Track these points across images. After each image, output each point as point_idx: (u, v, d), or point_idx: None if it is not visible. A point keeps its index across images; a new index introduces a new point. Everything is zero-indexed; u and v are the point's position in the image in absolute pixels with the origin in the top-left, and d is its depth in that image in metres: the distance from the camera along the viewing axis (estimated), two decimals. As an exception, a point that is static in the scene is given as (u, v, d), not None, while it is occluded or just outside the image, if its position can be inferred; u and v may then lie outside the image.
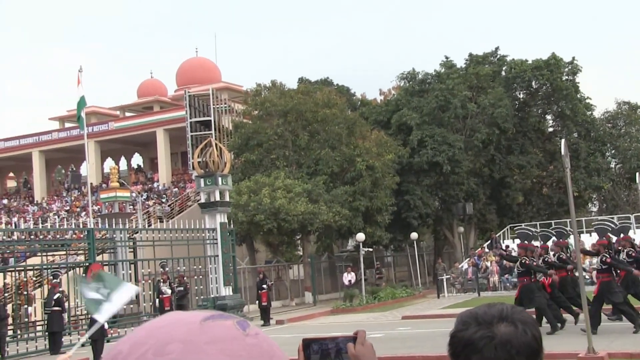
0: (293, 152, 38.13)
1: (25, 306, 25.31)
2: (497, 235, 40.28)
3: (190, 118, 44.33)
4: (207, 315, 0.77)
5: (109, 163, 53.76)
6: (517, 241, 40.10)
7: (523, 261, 18.35)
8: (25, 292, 25.57)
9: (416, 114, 42.23)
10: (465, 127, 42.94)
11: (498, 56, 47.46)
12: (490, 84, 44.48)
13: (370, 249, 38.01)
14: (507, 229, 42.42)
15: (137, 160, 58.04)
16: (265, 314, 27.02)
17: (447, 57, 46.73)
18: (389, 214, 38.48)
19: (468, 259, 37.68)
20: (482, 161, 43.87)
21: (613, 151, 49.14)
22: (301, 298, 36.72)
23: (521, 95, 47.64)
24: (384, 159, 38.14)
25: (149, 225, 38.16)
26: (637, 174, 27.49)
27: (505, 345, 1.64)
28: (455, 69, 45.68)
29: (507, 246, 38.49)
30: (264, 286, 27.64)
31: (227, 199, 28.71)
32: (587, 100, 46.89)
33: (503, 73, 46.93)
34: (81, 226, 33.97)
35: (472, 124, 42.87)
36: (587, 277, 26.36)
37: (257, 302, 27.59)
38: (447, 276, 35.05)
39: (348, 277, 35.21)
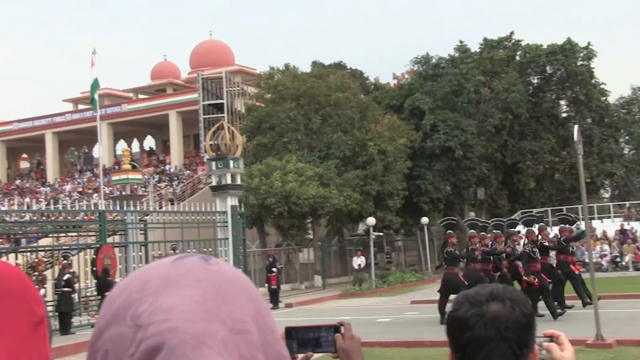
0: (305, 135, 38.05)
1: (37, 287, 25.43)
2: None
3: (203, 101, 44.26)
4: (177, 257, 0.94)
5: (122, 145, 53.88)
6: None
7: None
8: (36, 273, 25.73)
9: (429, 98, 42.04)
10: (479, 112, 42.74)
11: (513, 41, 47.14)
12: (505, 68, 44.24)
13: (381, 233, 38.00)
14: (519, 214, 42.28)
15: (149, 142, 58.15)
16: (274, 297, 27.11)
17: (461, 42, 46.52)
18: (400, 199, 38.41)
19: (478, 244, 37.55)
20: (495, 146, 43.70)
21: (627, 137, 48.88)
22: (311, 281, 36.79)
23: (535, 81, 47.38)
24: (396, 144, 38.02)
25: (160, 208, 38.28)
26: (651, 160, 27.31)
27: (494, 322, 1.73)
28: (470, 53, 45.46)
29: (519, 231, 38.39)
30: (274, 269, 27.73)
31: (239, 182, 28.67)
32: (602, 86, 46.58)
33: (517, 58, 46.64)
34: (92, 208, 34.10)
35: (485, 109, 42.67)
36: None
37: (266, 285, 27.66)
38: (458, 261, 34.93)
39: (358, 261, 35.24)
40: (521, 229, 22.35)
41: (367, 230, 34.78)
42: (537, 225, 20.85)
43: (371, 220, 33.53)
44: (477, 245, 19.09)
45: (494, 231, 20.66)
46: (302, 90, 37.49)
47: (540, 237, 19.20)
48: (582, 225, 20.32)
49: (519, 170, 44.92)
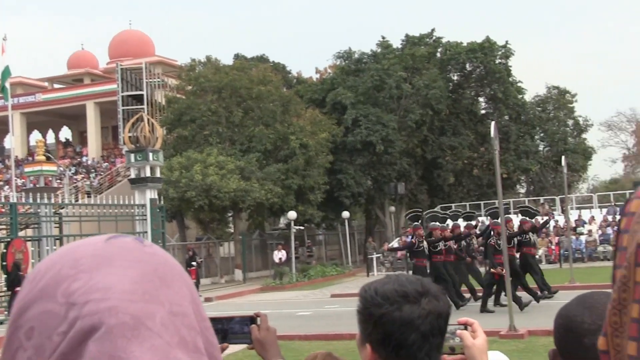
0: (226, 128, 37.78)
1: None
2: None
3: (122, 92, 43.46)
4: (110, 235, 0.90)
5: (36, 136, 52.38)
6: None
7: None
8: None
9: (351, 93, 42.27)
10: (400, 108, 43.17)
11: (434, 38, 47.82)
12: (425, 65, 44.81)
13: (302, 227, 38.09)
14: (438, 209, 42.92)
15: (65, 133, 56.75)
16: (193, 291, 26.80)
17: (383, 37, 46.96)
18: (322, 193, 38.54)
19: (398, 239, 38.04)
20: (415, 142, 44.23)
21: (542, 134, 50.17)
22: (231, 275, 36.58)
23: (455, 77, 48.19)
24: (318, 138, 38.14)
25: (76, 201, 37.37)
26: (563, 157, 28.07)
27: (437, 319, 1.75)
28: (392, 49, 45.91)
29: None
30: (193, 263, 27.48)
31: (158, 174, 28.30)
32: (519, 84, 47.83)
33: (438, 55, 47.35)
34: (3, 200, 33.02)
35: (406, 105, 43.12)
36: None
37: (186, 279, 27.29)
38: (377, 255, 35.34)
39: (279, 255, 35.16)
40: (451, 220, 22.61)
41: (288, 224, 34.78)
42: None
43: (292, 214, 33.51)
44: (440, 237, 19.08)
45: (453, 223, 20.82)
46: (223, 83, 37.21)
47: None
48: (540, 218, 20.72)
49: (439, 165, 45.61)
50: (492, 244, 18.47)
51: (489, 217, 22.11)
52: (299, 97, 41.78)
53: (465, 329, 1.97)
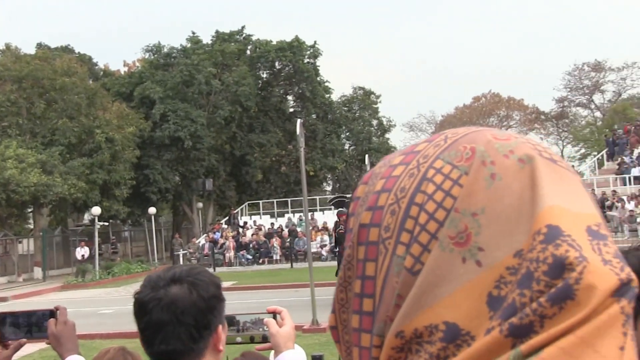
0: (27, 120, 36.20)
1: None
2: (235, 211, 41.05)
3: None
4: None
5: None
6: (255, 218, 41.21)
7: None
8: None
9: (160, 87, 41.74)
10: (209, 104, 43.15)
11: (244, 35, 48.12)
12: (235, 62, 45.07)
13: (107, 223, 37.17)
14: (246, 206, 43.36)
15: None
16: (-13, 291, 25.50)
17: (193, 33, 46.72)
18: (128, 188, 37.86)
19: (206, 235, 38.08)
20: (224, 138, 44.38)
21: (348, 133, 51.88)
22: (30, 274, 35.07)
23: (265, 75, 48.78)
24: (125, 132, 37.47)
25: None
26: (367, 156, 29.38)
27: (170, 306, 1.76)
28: (201, 44, 45.74)
29: (245, 222, 39.46)
30: (-12, 261, 26.09)
31: (-51, 167, 26.62)
32: (327, 84, 49.21)
33: (248, 52, 47.70)
34: None
35: (216, 101, 43.18)
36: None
37: (-21, 278, 25.94)
38: (184, 251, 35.19)
39: (81, 252, 34.12)
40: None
41: (92, 220, 33.82)
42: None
43: (96, 210, 32.68)
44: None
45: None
46: (24, 73, 35.66)
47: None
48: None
49: (247, 162, 46.01)
50: (342, 233, 17.82)
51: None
52: (105, 90, 40.78)
53: (275, 317, 2.12)
